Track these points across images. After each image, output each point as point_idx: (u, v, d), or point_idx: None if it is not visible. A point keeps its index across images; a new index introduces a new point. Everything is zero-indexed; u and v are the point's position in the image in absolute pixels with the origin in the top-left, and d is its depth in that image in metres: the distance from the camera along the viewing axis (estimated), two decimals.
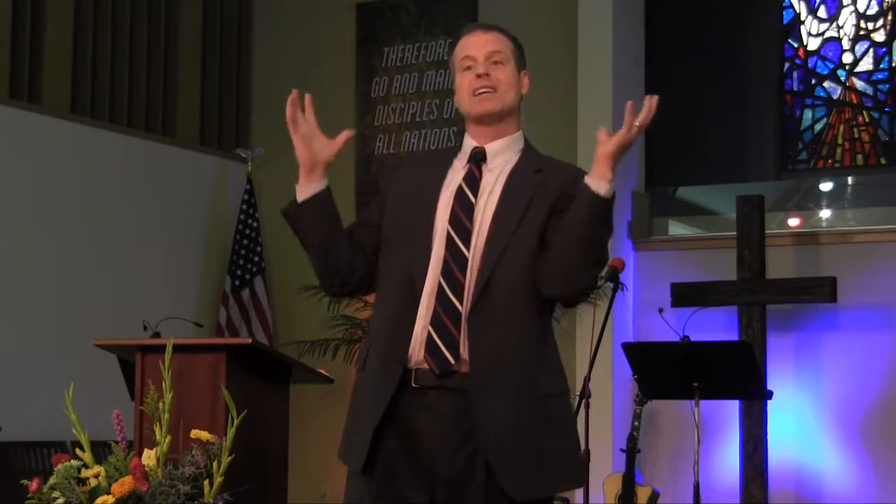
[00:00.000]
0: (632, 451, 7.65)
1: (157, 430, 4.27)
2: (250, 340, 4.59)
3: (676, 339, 7.04)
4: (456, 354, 3.39)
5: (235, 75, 10.88)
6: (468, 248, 3.47)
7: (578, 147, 9.29)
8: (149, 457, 4.24)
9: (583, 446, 6.73)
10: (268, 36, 10.96)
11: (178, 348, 4.35)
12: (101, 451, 4.42)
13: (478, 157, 3.64)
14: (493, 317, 3.42)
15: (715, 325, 8.44)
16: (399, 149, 10.24)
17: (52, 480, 4.24)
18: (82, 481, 4.22)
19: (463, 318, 3.40)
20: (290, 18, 10.84)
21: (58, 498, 4.20)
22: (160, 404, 4.28)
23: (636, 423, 7.63)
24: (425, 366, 3.43)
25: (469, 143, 3.69)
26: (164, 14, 10.25)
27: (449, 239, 3.48)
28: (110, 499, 4.14)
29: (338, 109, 10.47)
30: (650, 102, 3.49)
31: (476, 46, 3.70)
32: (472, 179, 3.59)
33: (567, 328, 9.26)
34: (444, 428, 3.40)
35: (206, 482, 4.19)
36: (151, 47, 10.14)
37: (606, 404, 8.79)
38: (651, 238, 9.40)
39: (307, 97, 3.77)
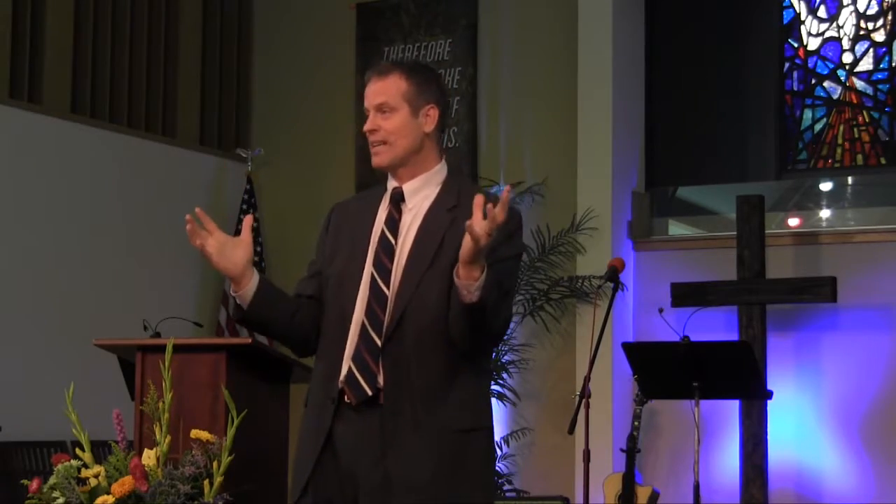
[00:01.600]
0: (632, 450, 7.64)
1: (157, 429, 4.27)
2: (250, 340, 4.59)
3: (676, 338, 7.03)
4: (373, 385, 3.66)
5: (235, 75, 10.88)
6: (388, 287, 3.70)
7: (579, 147, 9.29)
8: (149, 457, 4.24)
9: (583, 446, 6.73)
10: (268, 36, 10.96)
11: (178, 348, 4.35)
12: (101, 450, 4.43)
13: (396, 199, 3.81)
14: (404, 350, 3.66)
15: (715, 325, 8.44)
16: None
17: (52, 480, 4.24)
18: (82, 481, 4.22)
19: (380, 351, 3.67)
20: (290, 18, 10.84)
21: (58, 498, 4.20)
22: (160, 404, 4.28)
23: (636, 423, 7.63)
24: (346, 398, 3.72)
25: (391, 183, 3.86)
26: (164, 14, 10.25)
27: (372, 279, 3.72)
28: (110, 499, 4.14)
29: (338, 109, 10.47)
30: (505, 195, 3.45)
31: (368, 98, 3.82)
32: (392, 221, 3.78)
33: (567, 328, 9.28)
34: (364, 443, 3.67)
35: (206, 482, 4.19)
36: (151, 47, 10.14)
37: (606, 404, 8.79)
38: (651, 238, 9.40)
39: (197, 212, 3.99)
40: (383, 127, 3.77)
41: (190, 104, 10.44)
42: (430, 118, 3.80)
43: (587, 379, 6.63)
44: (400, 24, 10.35)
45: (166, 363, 4.29)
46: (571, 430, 6.62)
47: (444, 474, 3.63)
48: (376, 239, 3.79)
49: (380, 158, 3.80)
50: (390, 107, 3.78)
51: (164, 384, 4.28)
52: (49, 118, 9.17)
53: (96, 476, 4.23)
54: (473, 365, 3.73)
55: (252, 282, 3.83)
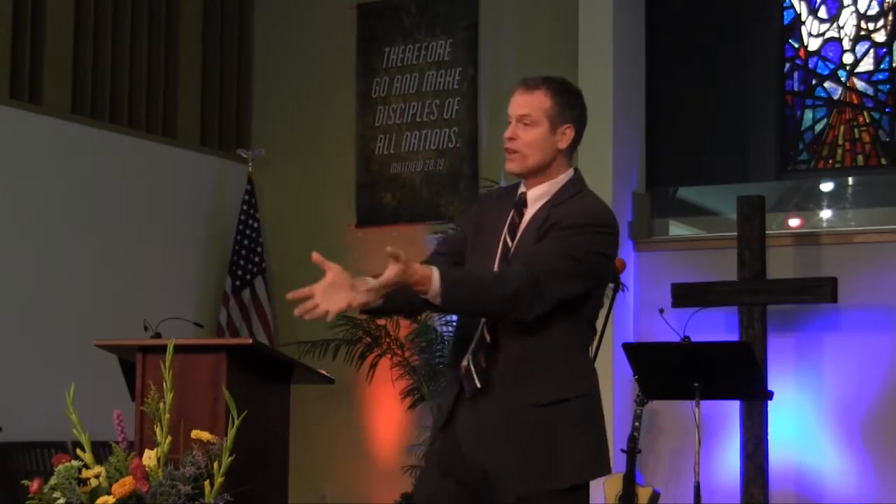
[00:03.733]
0: (632, 451, 7.64)
1: (157, 430, 4.27)
2: (251, 341, 4.59)
3: (677, 339, 7.04)
4: (482, 378, 3.95)
5: (236, 76, 10.88)
6: None
7: (579, 147, 9.28)
8: (149, 457, 4.24)
9: None
10: (268, 36, 10.96)
11: (178, 349, 4.35)
12: (101, 451, 4.43)
13: (519, 204, 4.09)
14: (504, 342, 3.96)
15: (715, 326, 8.44)
16: (399, 149, 10.24)
17: (52, 481, 4.24)
18: (83, 482, 4.23)
19: (489, 347, 3.98)
20: (290, 19, 10.84)
21: (58, 498, 4.20)
22: (161, 405, 4.28)
23: (637, 424, 7.63)
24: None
25: (521, 187, 4.15)
26: (165, 14, 10.25)
27: None
28: (111, 499, 4.14)
29: (338, 109, 10.48)
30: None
31: (513, 106, 4.09)
32: (513, 225, 4.05)
33: None
34: (475, 430, 4.00)
35: (207, 482, 4.19)
36: (152, 48, 10.14)
37: (607, 405, 8.68)
38: (651, 238, 9.40)
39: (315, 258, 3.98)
40: (521, 137, 4.03)
41: (190, 104, 10.44)
42: (566, 136, 4.07)
43: None
44: (400, 25, 10.34)
45: (167, 364, 4.30)
46: None
47: (534, 452, 3.91)
48: (501, 241, 4.04)
49: (512, 165, 4.08)
50: (532, 120, 4.04)
51: (164, 385, 4.28)
52: (49, 118, 9.17)
53: (97, 476, 4.24)
54: (557, 341, 3.96)
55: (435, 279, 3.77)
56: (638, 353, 7.28)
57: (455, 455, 4.01)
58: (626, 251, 9.17)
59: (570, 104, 4.09)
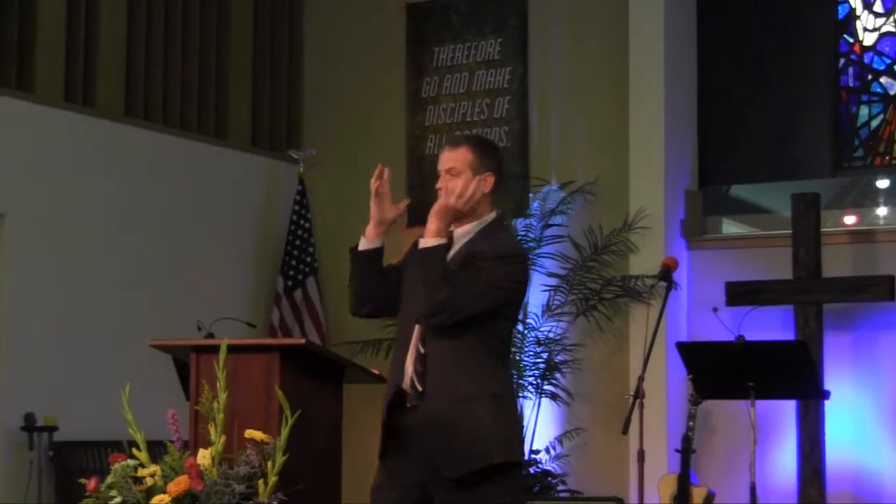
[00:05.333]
0: (687, 451, 7.59)
1: (211, 429, 4.28)
2: (303, 341, 4.59)
3: (731, 338, 6.99)
4: (422, 383, 4.60)
5: (287, 77, 10.91)
6: None
7: (631, 146, 9.25)
8: (204, 456, 4.24)
9: (637, 446, 6.70)
10: (319, 37, 10.97)
11: (232, 349, 4.36)
12: (156, 450, 4.44)
13: (448, 242, 4.71)
14: (434, 351, 4.62)
15: (770, 325, 8.37)
16: None
17: (109, 479, 4.26)
18: (139, 480, 4.24)
19: (424, 357, 4.63)
20: (340, 19, 10.85)
21: (115, 497, 4.21)
22: (215, 404, 4.29)
23: (691, 424, 7.58)
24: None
25: (451, 228, 4.79)
26: (216, 16, 10.30)
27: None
28: (166, 498, 4.15)
29: (388, 110, 10.48)
30: (465, 184, 4.68)
31: (441, 162, 4.80)
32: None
33: (620, 327, 9.24)
34: (417, 428, 4.60)
35: (261, 482, 4.19)
36: (203, 49, 10.19)
37: (661, 404, 8.74)
38: (704, 237, 9.35)
39: (387, 172, 4.93)
40: (449, 187, 4.72)
41: (242, 106, 10.48)
42: (487, 182, 4.74)
43: (641, 379, 6.60)
44: (450, 24, 10.33)
45: (221, 363, 4.30)
46: (625, 431, 6.59)
47: (461, 440, 4.52)
48: None
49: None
50: (457, 171, 4.73)
51: (218, 384, 4.29)
52: (103, 121, 9.23)
53: (152, 475, 4.25)
54: (474, 351, 4.62)
55: (378, 241, 4.91)
56: (692, 353, 7.24)
57: (401, 456, 4.61)
58: (679, 250, 9.13)
59: (488, 156, 4.79)
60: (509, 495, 4.60)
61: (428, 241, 4.63)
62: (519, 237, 9.45)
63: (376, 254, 4.88)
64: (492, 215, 4.80)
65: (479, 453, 4.49)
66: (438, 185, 4.80)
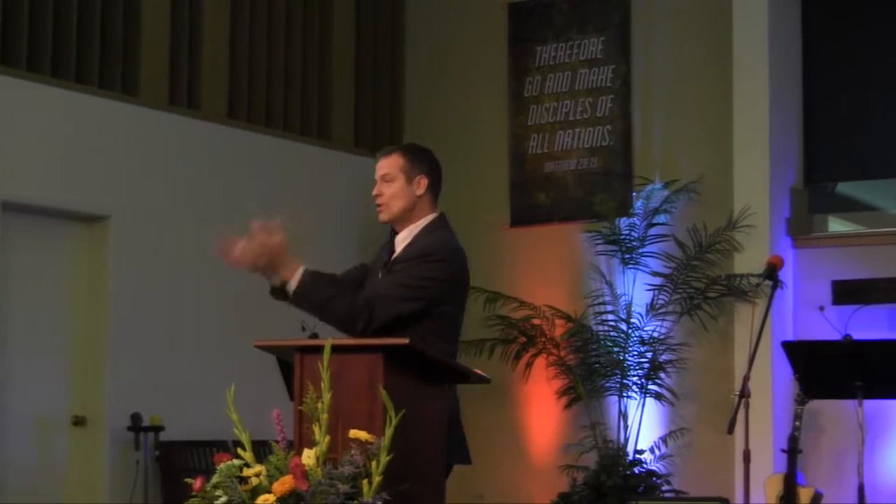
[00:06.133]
0: (793, 451, 7.52)
1: (316, 429, 4.30)
2: (407, 341, 4.59)
3: (838, 337, 6.92)
4: None
5: (389, 77, 10.95)
6: None
7: (735, 144, 9.18)
8: (308, 456, 4.26)
9: (743, 446, 6.65)
10: (420, 37, 11.00)
11: (336, 349, 4.37)
12: (261, 450, 4.47)
13: (390, 248, 5.05)
14: None
15: (877, 324, 8.26)
16: (553, 148, 10.21)
17: (214, 479, 4.29)
18: (244, 480, 4.27)
19: None
20: (442, 19, 10.87)
21: (220, 496, 4.24)
22: (319, 404, 4.30)
23: (797, 423, 7.51)
24: None
25: (396, 237, 5.04)
26: (318, 18, 10.36)
27: None
28: (271, 497, 4.17)
29: (491, 109, 10.48)
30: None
31: (376, 170, 5.00)
32: (385, 265, 5.00)
33: (725, 327, 9.17)
34: None
35: (365, 482, 4.20)
36: (306, 51, 10.26)
37: (766, 404, 8.66)
38: (810, 235, 9.24)
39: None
40: (385, 192, 4.97)
41: (344, 106, 10.54)
42: (421, 185, 5.00)
43: (746, 378, 6.55)
44: (552, 23, 10.31)
45: (324, 364, 4.32)
46: (731, 430, 6.55)
47: None
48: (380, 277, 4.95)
49: (382, 216, 5.02)
50: (391, 176, 4.97)
51: (322, 384, 4.31)
52: (207, 123, 9.33)
53: (258, 475, 4.28)
54: None
55: (297, 272, 4.95)
56: (798, 352, 7.17)
57: None
58: (784, 248, 9.04)
59: (419, 159, 5.04)
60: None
61: (291, 282, 4.87)
62: (624, 236, 9.42)
63: (310, 281, 4.95)
64: (430, 217, 5.01)
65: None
66: (374, 192, 5.01)
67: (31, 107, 8.36)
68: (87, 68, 8.77)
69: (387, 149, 5.11)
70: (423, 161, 5.08)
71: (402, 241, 5.00)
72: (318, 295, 4.83)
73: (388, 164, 5.00)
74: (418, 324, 4.77)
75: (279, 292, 5.00)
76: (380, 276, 4.97)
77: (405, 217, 4.99)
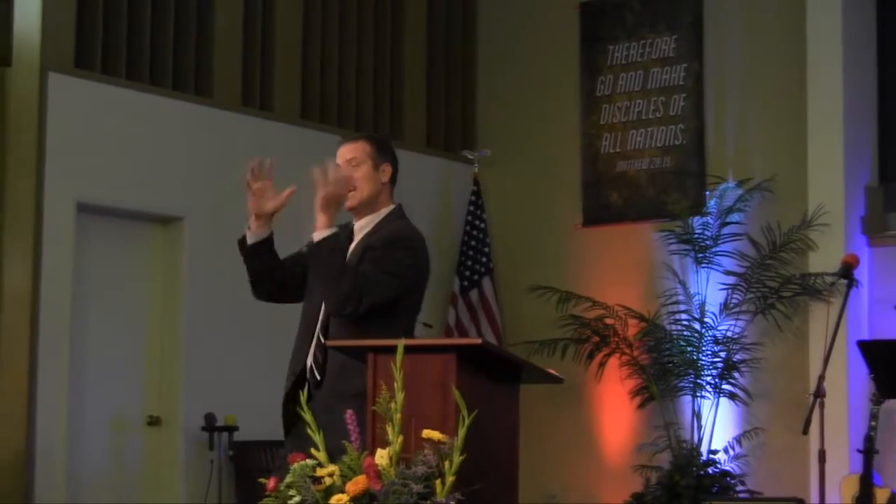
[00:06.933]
0: (869, 451, 7.43)
1: (389, 429, 4.31)
2: (480, 341, 4.59)
3: None
4: (322, 372, 4.88)
5: (461, 77, 10.96)
6: None
7: (809, 142, 9.10)
8: (381, 456, 4.28)
9: (818, 446, 6.59)
10: (492, 37, 11.00)
11: (408, 349, 4.38)
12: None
13: (348, 233, 5.06)
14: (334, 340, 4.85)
15: None
16: (625, 147, 10.17)
17: (288, 479, 4.31)
18: (317, 480, 4.29)
19: (326, 348, 4.88)
20: (513, 19, 10.87)
21: (294, 496, 4.27)
22: (392, 404, 4.31)
23: (873, 423, 7.42)
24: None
25: (352, 221, 5.11)
26: (390, 19, 10.38)
27: None
28: (345, 497, 4.19)
29: (563, 109, 10.46)
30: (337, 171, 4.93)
31: (340, 156, 5.11)
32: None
33: (799, 326, 9.10)
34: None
35: (438, 482, 4.21)
36: (378, 52, 10.29)
37: (842, 404, 8.58)
38: (886, 233, 9.14)
39: (268, 162, 5.24)
40: (353, 175, 5.00)
41: (416, 107, 10.56)
42: (386, 172, 5.06)
43: (821, 378, 6.48)
44: (623, 22, 10.28)
45: (397, 364, 4.33)
46: (806, 431, 6.48)
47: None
48: None
49: (350, 201, 5.01)
50: (358, 161, 5.04)
51: (395, 384, 4.32)
52: (280, 124, 9.38)
53: (331, 475, 4.29)
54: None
55: (266, 230, 5.09)
56: (874, 351, 7.07)
57: (300, 441, 4.69)
58: (860, 246, 8.95)
59: (384, 148, 5.09)
60: None
61: (320, 233, 4.85)
62: (697, 235, 9.37)
63: (264, 245, 5.10)
64: (391, 206, 5.07)
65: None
66: None
67: (105, 109, 8.44)
68: (161, 70, 8.85)
69: (351, 136, 5.23)
70: (387, 150, 5.13)
71: (361, 228, 5.06)
72: (335, 258, 4.82)
73: (355, 149, 5.08)
74: (392, 311, 4.89)
75: (247, 244, 5.10)
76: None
77: (369, 203, 5.05)
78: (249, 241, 5.09)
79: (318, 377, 4.88)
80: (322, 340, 4.90)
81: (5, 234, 8.19)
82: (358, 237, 5.04)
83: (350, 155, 5.08)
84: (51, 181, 8.16)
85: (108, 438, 8.58)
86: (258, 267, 5.12)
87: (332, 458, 4.39)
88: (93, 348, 8.45)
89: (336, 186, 4.89)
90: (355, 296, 4.75)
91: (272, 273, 5.14)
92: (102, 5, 8.50)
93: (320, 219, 4.88)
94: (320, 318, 4.95)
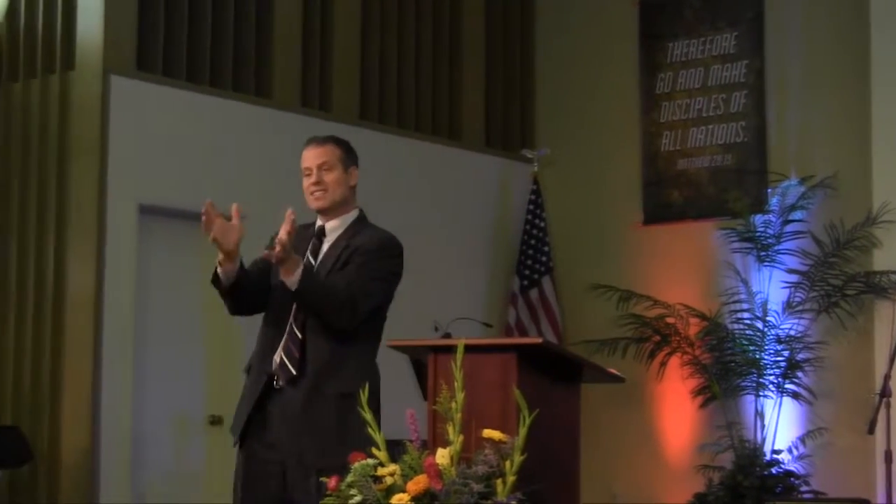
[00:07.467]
0: None
1: (449, 429, 4.31)
2: (540, 340, 4.58)
3: None
4: (296, 366, 4.87)
5: (519, 76, 10.94)
6: None
7: (873, 138, 9.01)
8: (442, 456, 4.27)
9: (884, 446, 6.53)
10: (550, 36, 10.98)
11: (468, 349, 4.37)
12: (395, 449, 4.49)
13: (319, 234, 5.13)
14: (313, 339, 4.89)
15: None
16: (685, 145, 10.12)
17: (349, 478, 4.32)
18: (378, 479, 4.29)
19: (302, 342, 4.90)
20: (572, 17, 10.84)
21: (355, 496, 4.27)
22: (452, 404, 4.31)
23: None
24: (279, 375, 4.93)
25: (318, 222, 5.15)
26: (448, 18, 10.39)
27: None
28: (406, 497, 4.19)
29: (622, 107, 10.42)
30: (288, 217, 4.74)
31: (309, 159, 5.10)
32: (315, 249, 5.09)
33: (864, 324, 9.02)
34: (286, 412, 4.87)
35: (499, 481, 4.20)
36: (436, 51, 10.29)
37: None
38: None
39: (207, 205, 4.89)
40: (325, 179, 5.05)
41: (475, 106, 10.55)
42: (353, 176, 5.15)
43: (887, 377, 6.44)
44: (683, 19, 10.23)
45: (458, 363, 4.32)
46: (871, 430, 6.44)
47: (331, 432, 4.77)
48: (304, 261, 4.92)
49: (320, 202, 5.06)
50: (329, 165, 5.06)
51: (455, 384, 4.31)
52: (339, 124, 9.37)
53: (392, 474, 4.29)
54: (356, 345, 4.93)
55: (235, 263, 4.92)
56: None
57: (261, 440, 4.87)
58: None
59: (350, 151, 5.15)
60: None
61: (293, 279, 4.76)
62: (759, 233, 9.32)
63: (239, 280, 4.96)
64: (357, 210, 5.18)
65: (349, 449, 4.50)
66: (313, 180, 5.05)
67: (166, 111, 8.49)
68: (220, 72, 8.89)
69: (317, 138, 5.18)
70: (353, 153, 5.19)
71: (333, 229, 5.10)
72: (315, 284, 4.82)
73: (326, 153, 5.09)
74: (369, 319, 4.96)
75: (221, 285, 4.98)
76: (315, 263, 5.00)
77: (338, 206, 5.10)
78: (226, 282, 4.97)
79: (294, 372, 4.85)
80: (299, 336, 4.89)
81: (69, 236, 8.26)
82: (331, 237, 5.10)
83: (321, 159, 5.08)
84: (113, 184, 8.21)
85: (170, 438, 8.63)
86: (238, 298, 5.05)
87: (307, 456, 4.69)
88: (155, 348, 8.49)
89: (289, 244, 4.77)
90: (351, 310, 4.82)
91: (251, 295, 5.07)
92: (164, 8, 8.55)
93: (289, 260, 4.76)
94: (293, 314, 4.92)
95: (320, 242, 5.11)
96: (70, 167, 8.30)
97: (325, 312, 4.81)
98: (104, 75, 8.19)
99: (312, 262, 5.03)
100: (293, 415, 4.82)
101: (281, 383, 4.87)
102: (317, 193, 5.08)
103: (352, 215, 5.16)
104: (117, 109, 8.24)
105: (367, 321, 4.95)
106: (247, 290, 5.01)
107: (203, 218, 4.86)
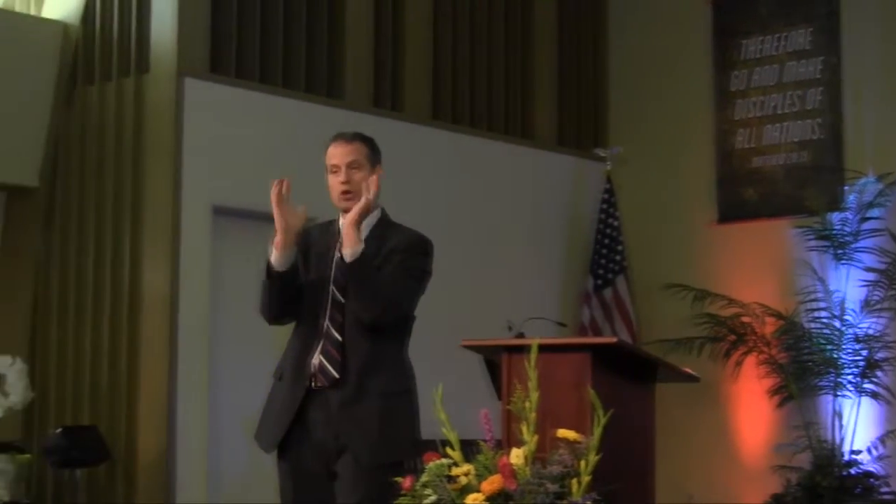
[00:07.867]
0: None
1: (523, 429, 4.29)
2: (615, 339, 4.56)
3: None
4: (338, 369, 4.78)
5: (592, 75, 10.90)
6: (343, 297, 4.86)
7: None
8: (517, 455, 4.26)
9: None
10: (623, 34, 10.94)
11: (542, 348, 4.36)
12: (469, 449, 4.48)
13: (333, 234, 4.99)
14: (352, 340, 4.81)
15: None
16: (760, 142, 10.04)
17: (423, 478, 4.32)
18: (452, 479, 4.29)
19: (342, 344, 4.82)
20: (645, 15, 10.79)
21: (430, 495, 4.27)
22: (526, 404, 4.30)
23: None
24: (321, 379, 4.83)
25: (341, 220, 4.96)
26: (521, 18, 10.37)
27: (333, 293, 4.88)
28: (480, 497, 4.18)
29: (695, 104, 10.37)
30: (374, 180, 4.86)
31: (337, 157, 5.03)
32: (341, 248, 4.86)
33: None
34: (328, 414, 4.78)
35: (574, 481, 4.18)
36: (508, 51, 10.27)
37: None
38: None
39: (286, 184, 4.96)
40: (355, 179, 4.97)
41: (547, 105, 10.52)
42: (380, 173, 5.03)
43: None
44: (758, 15, 10.15)
45: (532, 363, 4.31)
46: None
47: (375, 431, 4.72)
48: (334, 262, 4.89)
49: (351, 203, 4.89)
50: (359, 164, 5.00)
51: (529, 384, 4.30)
52: (411, 125, 9.40)
53: (466, 474, 4.29)
54: (392, 345, 4.89)
55: (292, 252, 4.89)
56: None
57: (310, 449, 4.79)
58: None
59: (376, 150, 5.09)
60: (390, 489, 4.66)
61: (354, 250, 4.74)
62: (836, 231, 9.24)
63: (291, 270, 4.91)
64: (380, 208, 5.09)
65: (395, 447, 4.70)
66: (341, 178, 4.98)
67: (239, 112, 8.53)
68: (293, 73, 8.92)
69: (345, 135, 5.10)
70: (378, 151, 5.14)
71: (362, 229, 4.97)
72: (374, 274, 4.77)
73: (355, 151, 5.03)
74: (403, 319, 4.95)
75: (275, 271, 4.90)
76: (334, 262, 4.91)
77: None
78: (281, 267, 4.90)
79: (337, 375, 4.76)
80: (339, 339, 4.81)
81: (144, 237, 8.31)
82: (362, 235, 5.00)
83: (350, 157, 5.02)
84: (187, 185, 8.26)
85: (245, 438, 8.64)
86: (282, 290, 4.93)
87: (353, 452, 4.63)
88: (230, 349, 8.53)
89: (375, 199, 4.87)
90: (393, 305, 4.78)
91: (297, 291, 4.96)
92: (236, 11, 8.59)
93: (354, 234, 4.77)
94: (327, 316, 4.85)
95: (334, 242, 5.01)
96: (145, 169, 8.36)
97: (371, 296, 4.74)
98: (178, 78, 8.25)
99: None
100: (339, 417, 4.73)
101: (319, 386, 4.79)
102: (346, 193, 4.98)
103: (375, 214, 5.05)
104: (191, 111, 8.28)
105: (402, 321, 4.94)
106: (295, 281, 4.91)
107: (275, 189, 4.93)
